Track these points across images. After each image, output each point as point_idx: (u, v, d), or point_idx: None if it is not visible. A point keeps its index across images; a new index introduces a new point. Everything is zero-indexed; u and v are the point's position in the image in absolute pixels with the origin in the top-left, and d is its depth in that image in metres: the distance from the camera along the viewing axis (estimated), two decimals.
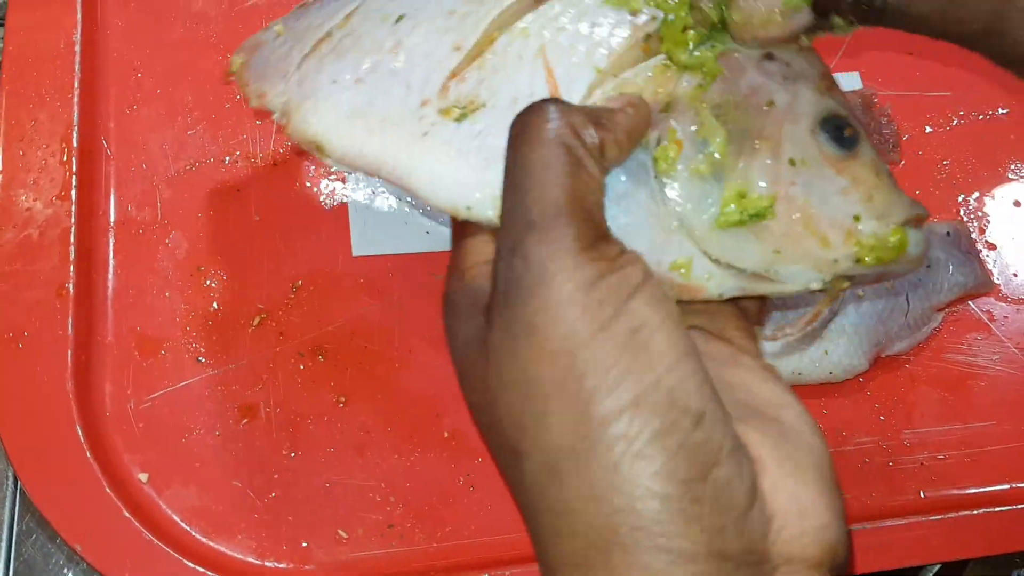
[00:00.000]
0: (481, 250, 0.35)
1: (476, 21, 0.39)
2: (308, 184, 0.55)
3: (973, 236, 0.59)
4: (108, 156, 0.53)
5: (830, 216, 0.35)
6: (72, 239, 0.49)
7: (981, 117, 0.63)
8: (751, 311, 0.39)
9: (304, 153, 0.55)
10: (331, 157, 0.39)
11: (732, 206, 0.35)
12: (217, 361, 0.50)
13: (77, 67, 0.52)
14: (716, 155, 0.35)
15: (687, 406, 0.28)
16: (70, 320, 0.47)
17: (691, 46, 0.37)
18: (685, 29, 0.37)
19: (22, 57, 0.52)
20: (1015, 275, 0.60)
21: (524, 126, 0.32)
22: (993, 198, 0.61)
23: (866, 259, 0.35)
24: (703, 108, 0.36)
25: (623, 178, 0.36)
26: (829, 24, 0.36)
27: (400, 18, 0.41)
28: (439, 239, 0.55)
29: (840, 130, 0.36)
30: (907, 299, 0.55)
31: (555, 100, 0.32)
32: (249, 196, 0.54)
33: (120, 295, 0.50)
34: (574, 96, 0.37)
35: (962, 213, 0.61)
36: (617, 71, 0.37)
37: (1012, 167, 0.62)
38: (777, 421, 0.32)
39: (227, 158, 0.54)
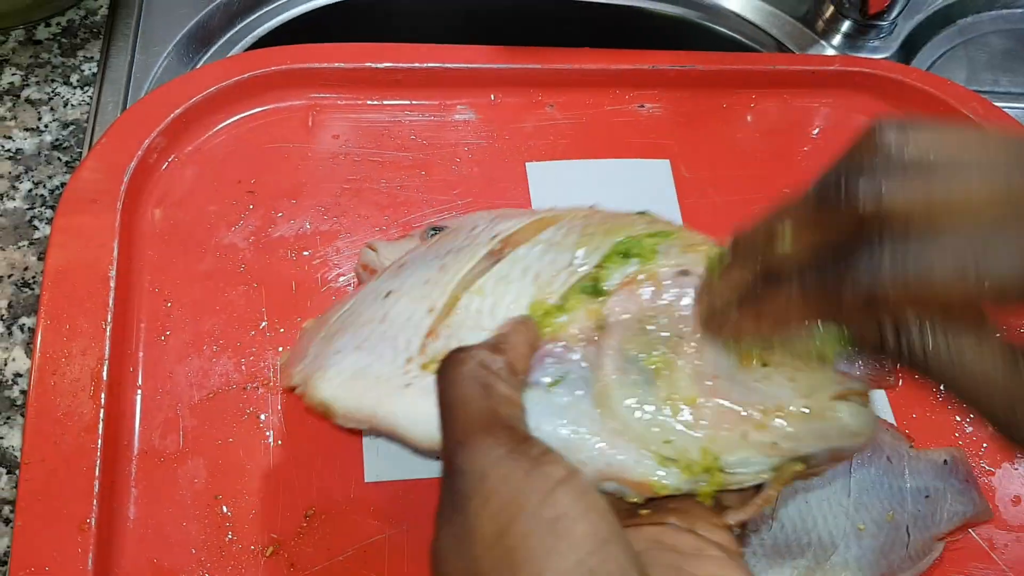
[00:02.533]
0: None
1: (443, 286, 0.46)
2: None
3: (970, 461, 0.61)
4: (136, 386, 0.55)
5: (754, 401, 0.38)
6: (97, 473, 0.51)
7: None
8: (732, 505, 0.41)
9: None
10: (337, 416, 0.45)
11: (666, 409, 0.39)
12: None
13: (111, 302, 0.56)
14: (643, 364, 0.40)
15: None
16: (91, 556, 0.49)
17: (612, 274, 0.43)
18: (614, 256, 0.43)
19: (59, 293, 0.55)
20: (1013, 501, 0.61)
21: (441, 379, 0.37)
22: None
23: (803, 438, 0.38)
24: (631, 328, 0.41)
25: (564, 392, 0.40)
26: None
27: (388, 294, 0.48)
28: None
29: None
30: (907, 531, 0.56)
31: (461, 348, 0.38)
32: (269, 422, 0.56)
33: (139, 526, 0.52)
34: None
35: (957, 435, 0.63)
36: (554, 316, 0.42)
37: None
38: None
39: (249, 385, 0.57)
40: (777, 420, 0.38)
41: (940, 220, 0.31)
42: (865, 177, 0.31)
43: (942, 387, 0.34)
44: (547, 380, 0.40)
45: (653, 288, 0.42)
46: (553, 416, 0.39)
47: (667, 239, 0.44)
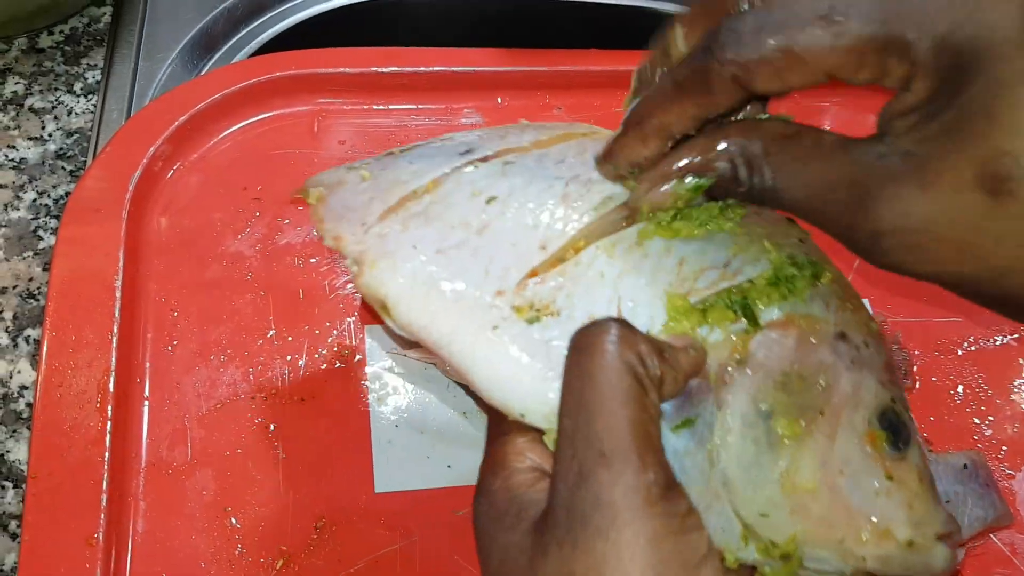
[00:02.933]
0: (526, 451, 0.36)
1: (565, 225, 0.40)
2: (334, 420, 0.56)
3: (990, 465, 0.60)
4: (143, 398, 0.55)
5: (868, 514, 0.36)
6: (104, 486, 0.50)
7: (990, 343, 0.65)
8: None
9: (330, 388, 0.57)
10: (395, 320, 0.39)
11: (778, 484, 0.35)
12: None
13: (117, 312, 0.55)
14: (772, 424, 0.36)
15: None
16: (98, 571, 0.48)
17: (770, 305, 0.38)
18: (774, 284, 0.38)
19: (65, 304, 0.55)
20: None
21: (590, 343, 0.32)
22: (1008, 424, 0.62)
23: (894, 563, 0.36)
24: (773, 379, 0.36)
25: (688, 437, 0.36)
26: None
27: (492, 199, 0.41)
28: (461, 473, 0.55)
29: (895, 428, 0.37)
30: None
31: (622, 321, 0.32)
32: (277, 433, 0.55)
33: (147, 540, 0.51)
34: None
35: (976, 438, 0.62)
36: (693, 320, 0.38)
37: None
38: None
39: (257, 395, 0.56)
40: (880, 541, 0.35)
41: None
42: None
43: (791, 210, 0.34)
44: (675, 417, 0.36)
45: (809, 343, 0.37)
46: (669, 457, 0.35)
47: (824, 280, 0.39)
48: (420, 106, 0.69)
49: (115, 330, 0.55)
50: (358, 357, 0.58)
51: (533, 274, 0.39)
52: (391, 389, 0.58)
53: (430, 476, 0.55)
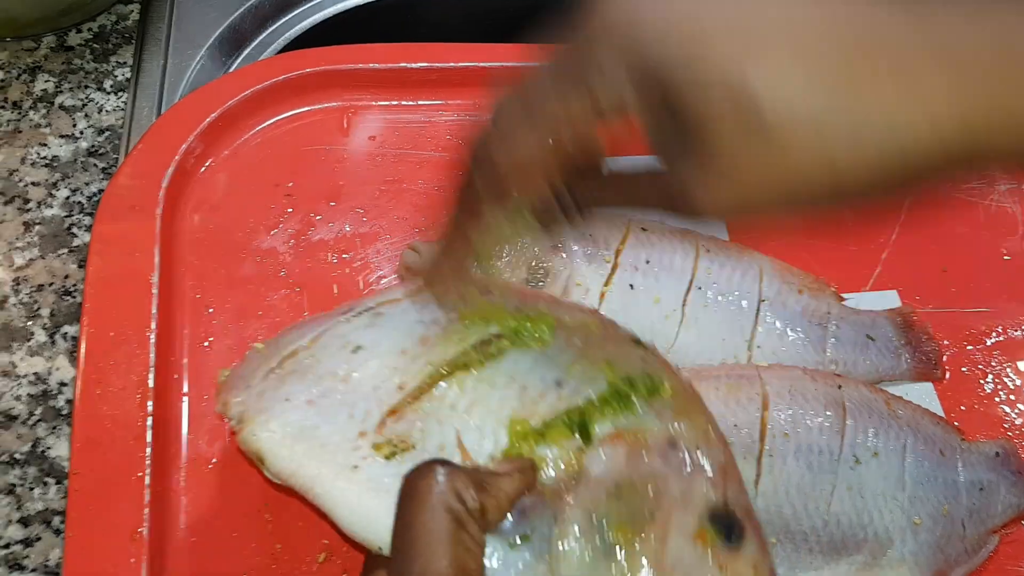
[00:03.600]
0: None
1: (421, 364, 0.43)
2: None
3: (1021, 452, 0.60)
4: (182, 393, 0.55)
5: None
6: (147, 482, 0.50)
7: (1019, 333, 0.65)
8: None
9: None
10: (268, 470, 0.43)
11: None
12: None
13: (155, 309, 0.55)
14: (607, 533, 0.38)
15: None
16: (144, 566, 0.48)
17: (604, 421, 0.41)
18: (608, 402, 0.41)
19: (102, 302, 0.55)
20: None
21: (412, 487, 0.35)
22: None
23: None
24: (606, 490, 0.39)
25: (527, 552, 0.38)
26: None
27: (358, 348, 0.45)
28: None
29: (726, 524, 0.39)
30: (963, 524, 0.55)
31: (442, 462, 0.35)
32: None
33: (190, 535, 0.51)
34: (483, 457, 0.40)
35: (1007, 427, 0.62)
36: (532, 442, 0.40)
37: None
38: None
39: None
40: None
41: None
42: None
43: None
44: (513, 533, 0.38)
45: (640, 453, 0.40)
46: (508, 573, 0.37)
47: (662, 393, 0.42)
48: (448, 101, 0.69)
49: (153, 326, 0.55)
50: None
51: (392, 413, 0.42)
52: None
53: None
